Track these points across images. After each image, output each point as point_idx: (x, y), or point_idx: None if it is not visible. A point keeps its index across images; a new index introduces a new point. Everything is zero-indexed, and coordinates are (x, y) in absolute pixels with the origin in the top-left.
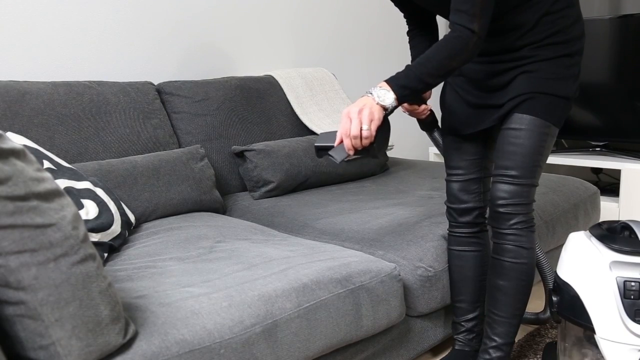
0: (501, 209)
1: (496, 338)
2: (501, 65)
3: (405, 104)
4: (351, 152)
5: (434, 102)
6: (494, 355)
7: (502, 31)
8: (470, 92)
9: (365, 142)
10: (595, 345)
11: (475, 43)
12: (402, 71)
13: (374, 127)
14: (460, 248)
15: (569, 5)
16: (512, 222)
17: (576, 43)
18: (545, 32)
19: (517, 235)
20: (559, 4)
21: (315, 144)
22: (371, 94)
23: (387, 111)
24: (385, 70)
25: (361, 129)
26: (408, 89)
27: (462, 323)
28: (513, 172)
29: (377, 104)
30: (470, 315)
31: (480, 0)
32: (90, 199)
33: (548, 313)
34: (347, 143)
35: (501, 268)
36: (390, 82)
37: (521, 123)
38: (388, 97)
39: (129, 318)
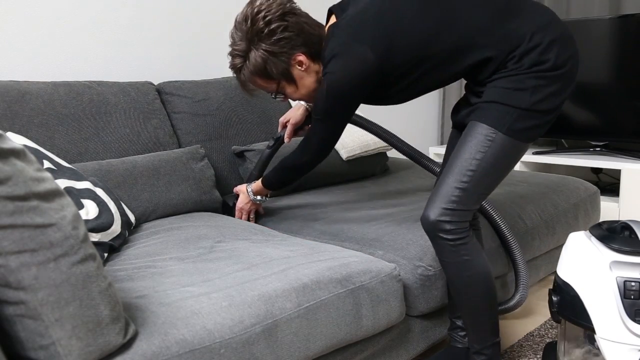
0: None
1: (474, 344)
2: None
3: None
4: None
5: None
6: None
7: (478, 73)
8: (470, 93)
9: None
10: (595, 345)
11: (308, 168)
12: (271, 175)
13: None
14: None
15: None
16: (445, 230)
17: (528, 61)
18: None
19: (454, 246)
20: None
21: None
22: (256, 199)
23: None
24: None
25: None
26: (272, 186)
27: (453, 319)
28: (445, 177)
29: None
30: (459, 313)
31: (317, 142)
32: (90, 199)
33: (515, 299)
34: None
35: (449, 282)
36: (266, 186)
37: (467, 128)
38: (262, 199)
39: (129, 318)
